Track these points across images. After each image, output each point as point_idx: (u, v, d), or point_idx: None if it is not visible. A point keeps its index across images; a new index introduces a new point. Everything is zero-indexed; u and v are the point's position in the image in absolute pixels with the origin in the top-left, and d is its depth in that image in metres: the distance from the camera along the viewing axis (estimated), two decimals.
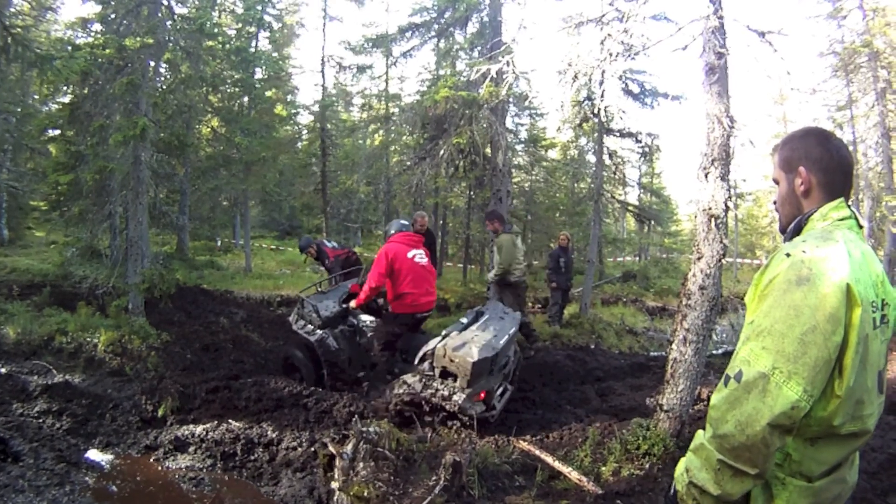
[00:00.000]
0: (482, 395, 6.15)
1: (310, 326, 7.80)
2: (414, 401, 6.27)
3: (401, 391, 6.37)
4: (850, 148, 21.61)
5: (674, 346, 5.22)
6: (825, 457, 1.80)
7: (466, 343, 6.13)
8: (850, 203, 1.92)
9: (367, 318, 8.11)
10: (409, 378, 6.40)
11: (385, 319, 7.49)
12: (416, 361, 6.46)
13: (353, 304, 7.46)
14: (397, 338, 7.22)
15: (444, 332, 6.53)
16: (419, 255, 7.27)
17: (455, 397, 5.95)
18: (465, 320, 6.90)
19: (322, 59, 20.28)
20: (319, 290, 8.78)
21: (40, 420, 6.50)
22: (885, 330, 1.81)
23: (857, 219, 1.90)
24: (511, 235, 10.60)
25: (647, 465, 4.80)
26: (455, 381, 6.04)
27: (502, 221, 10.72)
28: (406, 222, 7.78)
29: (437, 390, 6.09)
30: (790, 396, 1.60)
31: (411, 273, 7.05)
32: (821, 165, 1.93)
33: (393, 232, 7.38)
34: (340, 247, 10.48)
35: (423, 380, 6.25)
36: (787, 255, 1.76)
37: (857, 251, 1.76)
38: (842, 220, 1.88)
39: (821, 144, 1.96)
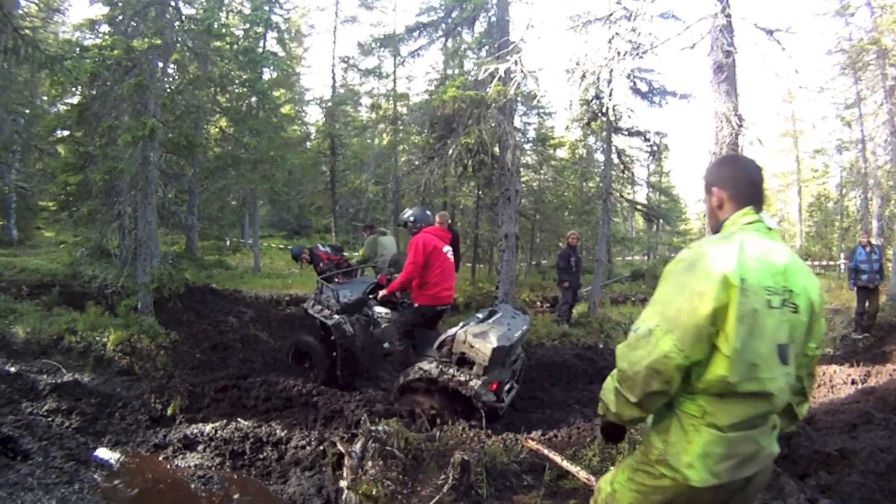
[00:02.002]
0: (494, 385, 6.33)
1: (327, 311, 7.96)
2: (426, 384, 6.51)
3: (416, 376, 6.56)
4: (859, 146, 21.63)
5: None
6: (733, 411, 2.15)
7: (485, 332, 6.33)
8: (760, 210, 2.34)
9: (382, 311, 8.20)
10: (425, 364, 6.60)
11: (407, 310, 7.56)
12: (435, 347, 6.63)
13: (382, 293, 7.60)
14: (416, 328, 7.30)
15: (462, 323, 6.74)
16: (450, 252, 7.38)
17: (471, 383, 6.16)
18: (480, 315, 7.08)
19: (333, 61, 20.34)
20: (338, 280, 8.89)
21: (49, 419, 6.53)
22: (787, 312, 2.16)
23: (765, 222, 2.31)
24: (375, 235, 11.58)
25: None
26: (471, 368, 6.26)
27: (370, 229, 11.99)
28: (429, 212, 7.85)
29: (453, 376, 6.30)
30: (664, 348, 2.07)
31: (442, 267, 7.13)
32: (730, 183, 2.40)
33: (421, 224, 7.38)
34: (335, 252, 10.51)
35: (440, 366, 6.45)
36: (689, 248, 2.26)
37: (754, 248, 2.17)
38: (749, 223, 2.29)
39: (729, 166, 2.57)
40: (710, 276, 2.05)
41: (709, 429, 2.16)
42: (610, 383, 2.36)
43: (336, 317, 7.80)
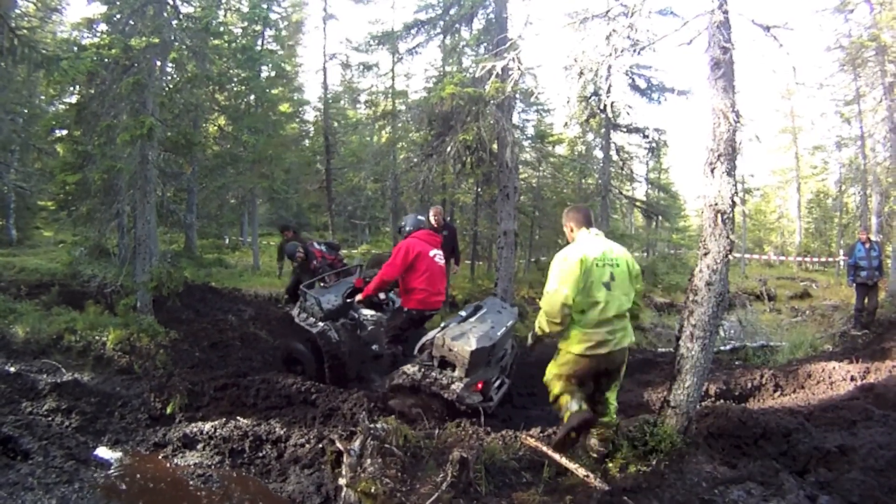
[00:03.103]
0: (480, 385, 6.31)
1: (312, 319, 7.98)
2: (412, 388, 6.46)
3: (400, 380, 6.51)
4: (858, 143, 21.66)
5: (681, 342, 5.20)
6: (590, 316, 4.60)
7: (465, 333, 6.31)
8: (589, 227, 4.96)
9: (368, 313, 8.23)
10: (408, 368, 6.55)
11: (394, 314, 7.56)
12: (416, 351, 6.63)
13: (359, 297, 7.52)
14: (404, 332, 7.31)
15: (442, 324, 6.71)
16: (439, 256, 7.36)
17: (453, 386, 6.13)
18: (463, 313, 7.04)
19: (324, 57, 20.30)
20: (322, 284, 8.88)
21: (49, 418, 6.54)
22: (608, 268, 4.66)
23: (589, 229, 4.92)
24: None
25: (654, 462, 4.79)
26: (454, 370, 6.23)
27: (291, 231, 11.63)
28: (422, 217, 7.83)
29: (435, 379, 6.25)
30: (563, 292, 4.50)
31: (429, 271, 7.12)
32: (573, 220, 5.01)
33: (409, 228, 7.40)
34: (330, 250, 10.46)
35: (422, 369, 6.41)
36: (564, 251, 4.73)
37: (589, 244, 4.73)
38: (584, 234, 4.86)
39: (571, 212, 5.11)
40: (574, 259, 4.57)
41: (576, 328, 4.68)
42: (540, 319, 4.79)
43: (320, 324, 7.83)
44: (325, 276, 9.31)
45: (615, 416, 5.13)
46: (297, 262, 10.24)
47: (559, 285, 4.54)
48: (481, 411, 6.16)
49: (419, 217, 7.73)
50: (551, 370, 4.94)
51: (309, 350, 8.17)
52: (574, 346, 4.67)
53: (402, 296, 7.32)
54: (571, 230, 5.01)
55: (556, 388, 4.88)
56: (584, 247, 4.68)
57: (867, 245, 12.43)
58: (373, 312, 8.22)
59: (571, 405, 4.71)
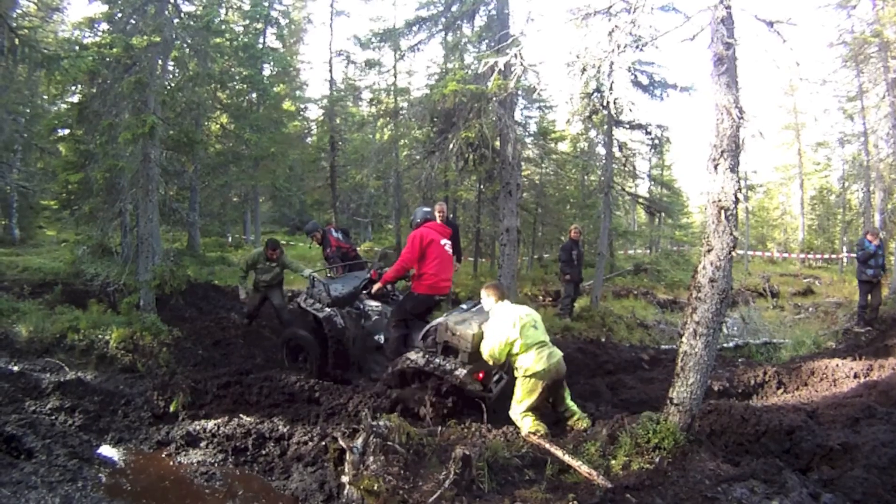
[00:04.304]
0: (481, 374, 6.46)
1: (318, 304, 8.17)
2: (414, 374, 6.70)
3: (404, 365, 6.71)
4: (861, 139, 21.67)
5: (684, 339, 5.19)
6: (535, 345, 5.99)
7: (467, 320, 6.58)
8: (504, 298, 6.53)
9: (373, 304, 8.33)
10: (412, 354, 6.75)
11: (404, 298, 7.79)
12: (420, 337, 6.82)
13: (377, 285, 7.89)
14: (412, 317, 7.55)
15: (445, 314, 6.97)
16: (448, 245, 7.68)
17: (457, 371, 6.29)
18: (465, 307, 7.34)
19: (330, 55, 20.28)
20: (330, 275, 8.97)
21: (53, 417, 6.56)
22: (531, 319, 6.20)
23: (505, 301, 6.47)
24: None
25: (657, 459, 4.78)
26: (456, 357, 6.42)
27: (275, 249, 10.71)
28: (429, 209, 8.10)
29: (439, 365, 6.44)
30: (496, 348, 6.02)
31: (439, 258, 7.44)
32: (494, 294, 6.48)
33: (419, 220, 7.68)
34: (346, 238, 10.49)
35: (426, 355, 6.60)
36: (494, 322, 6.22)
37: (510, 310, 6.25)
38: (504, 304, 6.39)
39: (491, 287, 6.60)
40: (506, 331, 6.01)
41: (530, 353, 5.94)
42: (486, 354, 6.13)
43: (327, 310, 8.00)
44: (336, 266, 9.38)
45: (579, 412, 6.44)
46: (314, 241, 10.28)
47: (493, 343, 6.06)
48: (484, 408, 6.20)
49: (426, 209, 7.97)
50: (521, 400, 6.04)
51: (313, 336, 8.32)
52: (534, 367, 5.90)
53: (413, 281, 7.56)
54: (495, 301, 6.42)
55: (524, 412, 5.99)
56: (511, 315, 6.14)
57: (875, 244, 12.36)
58: (377, 304, 8.34)
59: (527, 422, 5.93)
